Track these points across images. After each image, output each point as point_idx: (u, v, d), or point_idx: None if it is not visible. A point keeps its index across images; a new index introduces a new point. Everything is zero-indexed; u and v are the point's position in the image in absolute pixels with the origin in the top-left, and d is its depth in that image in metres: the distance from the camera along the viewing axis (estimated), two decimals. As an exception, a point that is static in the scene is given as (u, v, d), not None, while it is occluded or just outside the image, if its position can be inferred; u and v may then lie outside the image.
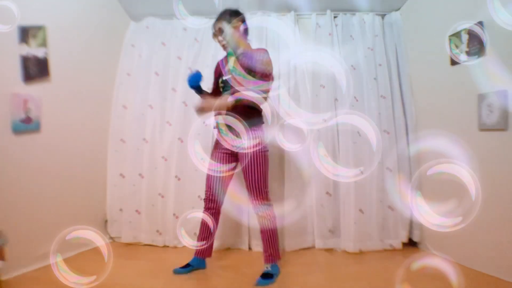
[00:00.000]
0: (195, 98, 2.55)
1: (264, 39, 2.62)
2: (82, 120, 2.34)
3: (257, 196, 1.83)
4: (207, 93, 1.99)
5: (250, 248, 2.44)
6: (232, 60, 1.88)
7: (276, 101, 2.33)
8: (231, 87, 1.82)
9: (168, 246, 2.47)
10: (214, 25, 1.97)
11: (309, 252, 2.36)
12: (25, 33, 1.83)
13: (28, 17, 1.85)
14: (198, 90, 1.95)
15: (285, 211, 2.39)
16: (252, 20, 2.42)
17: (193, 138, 2.29)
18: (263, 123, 1.91)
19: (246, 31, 1.96)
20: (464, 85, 2.00)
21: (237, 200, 2.04)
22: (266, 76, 1.77)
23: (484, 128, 1.86)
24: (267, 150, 1.88)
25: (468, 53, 1.96)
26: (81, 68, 2.31)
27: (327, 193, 2.44)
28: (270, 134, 1.94)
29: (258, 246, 2.40)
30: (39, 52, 1.93)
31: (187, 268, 1.89)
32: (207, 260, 1.99)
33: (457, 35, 2.03)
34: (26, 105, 1.84)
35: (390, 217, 2.41)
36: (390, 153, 2.43)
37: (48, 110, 1.99)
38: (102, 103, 2.60)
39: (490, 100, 1.80)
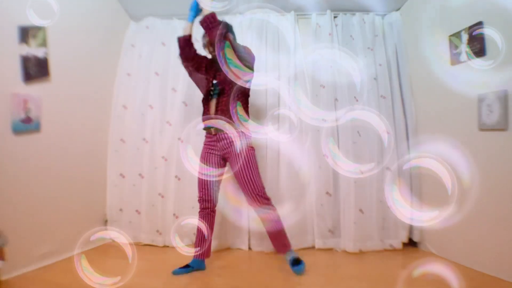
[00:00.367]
0: (196, 98, 2.59)
1: (264, 39, 2.62)
2: (82, 120, 2.34)
3: (256, 198, 1.85)
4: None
5: (250, 248, 2.44)
6: (228, 52, 1.88)
7: (291, 100, 2.33)
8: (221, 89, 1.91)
9: (168, 246, 2.47)
10: (203, 38, 2.05)
11: (309, 252, 2.36)
12: (25, 33, 1.83)
13: (28, 17, 1.85)
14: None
15: (284, 212, 2.39)
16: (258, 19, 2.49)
17: (186, 143, 2.29)
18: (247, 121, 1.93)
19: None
20: (464, 85, 2.00)
21: (235, 202, 2.04)
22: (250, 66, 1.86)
23: (484, 128, 1.86)
24: (254, 149, 1.94)
25: (468, 53, 1.96)
26: (81, 68, 2.31)
27: (327, 193, 2.44)
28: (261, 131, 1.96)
29: (258, 246, 2.40)
30: (39, 52, 1.93)
31: (187, 269, 1.89)
32: (206, 260, 1.99)
33: (457, 35, 2.03)
34: (26, 105, 1.84)
35: (390, 217, 2.40)
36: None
37: (48, 110, 1.99)
38: (102, 103, 2.60)
39: (490, 100, 1.80)
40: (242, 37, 2.60)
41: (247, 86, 1.91)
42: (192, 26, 1.99)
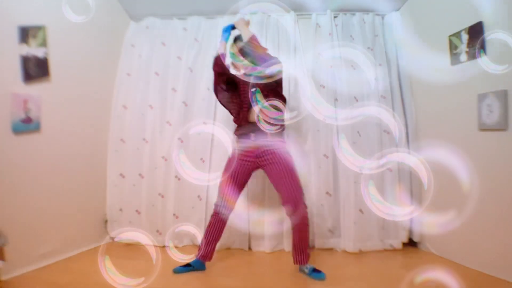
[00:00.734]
0: (196, 98, 2.59)
1: (264, 39, 2.61)
2: (82, 120, 2.34)
3: (299, 204, 1.81)
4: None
5: (250, 248, 2.44)
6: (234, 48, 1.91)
7: (304, 96, 2.34)
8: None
9: (168, 246, 2.46)
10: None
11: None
12: (25, 33, 1.83)
13: (28, 17, 1.85)
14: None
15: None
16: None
17: (178, 148, 2.29)
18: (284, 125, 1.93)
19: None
20: (464, 85, 2.00)
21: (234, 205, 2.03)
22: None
23: (484, 128, 1.86)
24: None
25: (468, 53, 1.96)
26: (81, 68, 2.31)
27: (327, 193, 2.44)
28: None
29: (258, 246, 2.40)
30: (39, 52, 1.93)
31: (187, 268, 1.90)
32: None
33: (457, 35, 2.03)
34: (26, 105, 1.84)
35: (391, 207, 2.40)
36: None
37: (48, 110, 1.99)
38: (102, 103, 2.60)
39: (490, 100, 1.80)
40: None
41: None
42: (226, 45, 1.94)
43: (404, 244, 2.41)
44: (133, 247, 2.46)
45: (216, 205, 1.96)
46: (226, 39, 1.92)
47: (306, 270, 1.86)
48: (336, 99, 2.52)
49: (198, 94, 2.60)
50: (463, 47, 2.00)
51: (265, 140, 1.87)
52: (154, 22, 2.76)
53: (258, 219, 2.35)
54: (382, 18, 2.66)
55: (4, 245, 1.52)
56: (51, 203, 2.03)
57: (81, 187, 2.33)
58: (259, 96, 1.73)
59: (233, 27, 1.95)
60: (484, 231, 1.83)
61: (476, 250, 1.89)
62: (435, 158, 2.04)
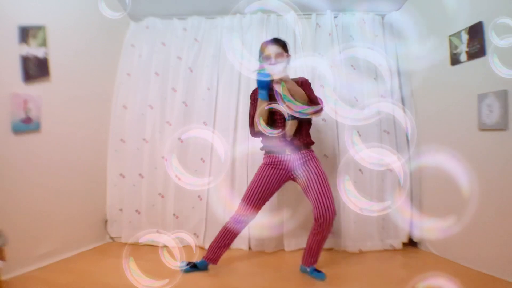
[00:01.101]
0: (196, 98, 2.59)
1: (264, 39, 2.60)
2: (82, 120, 2.34)
3: (332, 215, 1.77)
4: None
5: (250, 248, 2.44)
6: (280, 88, 1.83)
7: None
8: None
9: (168, 246, 2.46)
10: (269, 48, 1.88)
11: (309, 252, 2.36)
12: (25, 33, 1.83)
13: (28, 17, 1.85)
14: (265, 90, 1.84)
15: (285, 213, 2.40)
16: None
17: (170, 153, 2.29)
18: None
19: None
20: (464, 85, 2.00)
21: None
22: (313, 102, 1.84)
23: (484, 128, 1.86)
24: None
25: (468, 53, 1.97)
26: (81, 68, 2.31)
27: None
28: None
29: (258, 246, 2.40)
30: (39, 52, 1.93)
31: (194, 268, 1.91)
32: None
33: (457, 35, 2.03)
34: (26, 105, 1.84)
35: (390, 217, 2.40)
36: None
37: (48, 110, 1.99)
38: (102, 103, 2.60)
39: (490, 100, 1.80)
40: (242, 37, 2.61)
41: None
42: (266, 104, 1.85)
43: (404, 244, 2.41)
44: (133, 247, 2.46)
45: (238, 215, 1.90)
46: (265, 97, 1.83)
47: (308, 269, 1.87)
48: (336, 99, 2.52)
49: (198, 94, 2.60)
50: (463, 47, 2.00)
51: (299, 152, 1.87)
52: (154, 22, 2.76)
53: (258, 223, 2.35)
54: (382, 18, 2.66)
55: (4, 245, 1.52)
56: (51, 203, 2.03)
57: (81, 187, 2.33)
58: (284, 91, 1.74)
59: (267, 84, 1.82)
60: (484, 231, 1.83)
61: (476, 250, 1.89)
62: (435, 161, 2.06)
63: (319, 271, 1.84)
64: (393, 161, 2.08)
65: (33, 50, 1.88)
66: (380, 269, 2.04)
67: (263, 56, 1.89)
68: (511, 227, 1.69)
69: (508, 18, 1.63)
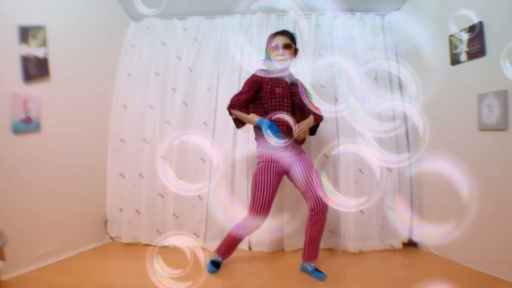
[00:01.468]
0: (196, 98, 2.59)
1: (264, 39, 2.60)
2: (82, 120, 2.34)
3: (325, 205, 1.83)
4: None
5: (250, 248, 2.44)
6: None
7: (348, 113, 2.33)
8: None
9: (168, 246, 2.46)
10: (277, 38, 1.92)
11: (309, 252, 2.36)
12: (25, 33, 1.83)
13: (28, 17, 1.85)
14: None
15: (285, 214, 2.40)
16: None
17: (162, 159, 2.28)
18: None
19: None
20: (464, 85, 2.00)
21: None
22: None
23: (484, 128, 1.86)
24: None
25: (468, 53, 1.97)
26: (81, 68, 2.31)
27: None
28: None
29: (258, 246, 2.40)
30: (39, 52, 1.93)
31: (217, 267, 1.93)
32: (206, 261, 2.00)
33: (457, 35, 2.03)
34: (26, 105, 1.84)
35: (390, 217, 2.40)
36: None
37: (48, 110, 1.99)
38: (102, 103, 2.60)
39: (490, 100, 1.80)
40: (242, 38, 2.61)
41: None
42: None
43: (404, 244, 2.41)
44: (133, 247, 2.46)
45: (252, 214, 1.86)
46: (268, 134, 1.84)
47: (310, 268, 1.86)
48: (336, 99, 2.53)
49: (198, 94, 2.60)
50: (463, 47, 2.00)
51: (294, 148, 1.91)
52: (154, 22, 2.76)
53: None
54: (382, 18, 2.66)
55: (4, 245, 1.52)
56: (51, 203, 2.03)
57: (81, 187, 2.33)
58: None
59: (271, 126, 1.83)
60: (484, 231, 1.83)
61: (476, 250, 1.89)
62: (435, 162, 2.05)
63: (320, 271, 1.84)
64: (390, 160, 2.09)
65: (33, 50, 1.88)
66: (380, 269, 2.04)
67: (271, 46, 1.91)
68: (511, 227, 1.69)
69: (468, 10, 1.70)
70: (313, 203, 1.83)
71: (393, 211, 2.39)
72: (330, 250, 2.41)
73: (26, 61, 1.83)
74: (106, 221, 2.61)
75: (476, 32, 1.87)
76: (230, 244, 1.94)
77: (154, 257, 1.50)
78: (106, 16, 2.58)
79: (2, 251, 1.51)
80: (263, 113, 1.89)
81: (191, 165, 2.52)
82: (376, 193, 2.23)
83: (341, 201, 1.90)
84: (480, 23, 1.86)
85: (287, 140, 1.81)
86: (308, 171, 1.87)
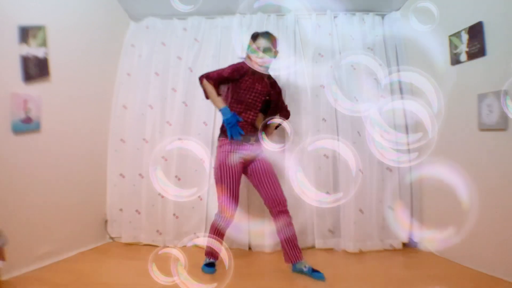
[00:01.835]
0: (196, 98, 2.59)
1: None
2: (82, 120, 2.34)
3: (284, 200, 1.89)
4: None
5: (250, 248, 2.44)
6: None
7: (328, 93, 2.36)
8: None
9: (168, 246, 2.46)
10: (259, 40, 1.97)
11: (309, 252, 2.36)
12: (25, 33, 1.83)
13: (28, 17, 1.85)
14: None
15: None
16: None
17: (154, 164, 2.28)
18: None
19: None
20: (464, 85, 2.00)
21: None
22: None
23: (484, 128, 1.86)
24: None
25: (468, 53, 1.96)
26: (81, 68, 2.31)
27: (327, 193, 2.44)
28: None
29: (258, 246, 2.40)
30: (39, 52, 1.93)
31: (213, 267, 1.94)
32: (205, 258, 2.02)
33: (457, 35, 2.03)
34: (26, 105, 1.84)
35: (390, 218, 2.40)
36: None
37: (48, 110, 1.99)
38: (102, 103, 2.60)
39: (490, 100, 1.80)
40: (242, 38, 2.61)
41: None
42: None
43: (404, 244, 2.41)
44: (133, 247, 2.46)
45: (226, 209, 1.89)
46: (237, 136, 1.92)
47: (305, 269, 1.85)
48: (336, 99, 2.52)
49: (198, 94, 2.58)
50: (463, 47, 2.00)
51: (258, 145, 1.97)
52: (154, 22, 2.76)
53: (258, 229, 2.36)
54: (382, 18, 2.66)
55: (4, 245, 1.52)
56: (51, 203, 2.03)
57: (81, 187, 2.33)
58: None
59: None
60: (484, 231, 1.83)
61: (476, 250, 1.89)
62: (435, 163, 2.05)
63: (318, 271, 1.83)
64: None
65: (33, 50, 1.88)
66: (380, 269, 2.04)
67: (251, 47, 1.97)
68: (511, 227, 1.69)
69: (428, 2, 1.75)
70: (276, 201, 1.88)
71: (393, 211, 2.39)
72: (330, 250, 2.40)
73: (26, 61, 1.83)
74: (106, 221, 2.61)
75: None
76: (213, 244, 1.94)
77: (178, 259, 1.49)
78: (106, 16, 2.58)
79: (2, 251, 1.51)
80: (235, 102, 1.95)
81: (192, 164, 2.52)
82: (352, 190, 2.24)
83: (317, 197, 1.91)
84: (480, 23, 1.86)
85: (244, 138, 1.89)
86: (266, 171, 1.92)
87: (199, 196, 2.48)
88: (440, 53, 2.16)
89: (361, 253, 2.33)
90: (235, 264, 2.10)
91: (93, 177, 2.49)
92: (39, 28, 1.92)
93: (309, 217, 2.45)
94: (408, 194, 2.45)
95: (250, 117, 1.95)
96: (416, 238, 2.40)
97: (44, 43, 1.95)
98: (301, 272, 1.86)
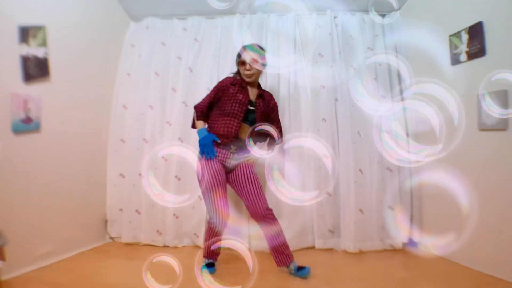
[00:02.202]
0: (196, 98, 2.59)
1: (264, 39, 2.62)
2: (82, 120, 2.34)
3: (265, 206, 1.88)
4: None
5: (250, 248, 2.43)
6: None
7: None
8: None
9: (168, 246, 2.46)
10: (245, 53, 1.94)
11: (309, 252, 2.36)
12: (25, 33, 1.83)
13: (28, 17, 1.85)
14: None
15: (285, 214, 2.40)
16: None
17: (147, 170, 2.28)
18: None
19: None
20: (464, 85, 2.00)
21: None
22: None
23: (484, 128, 1.86)
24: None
25: (468, 53, 1.96)
26: (81, 68, 2.31)
27: (327, 193, 2.44)
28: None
29: (258, 246, 2.40)
30: (39, 52, 1.93)
31: (212, 267, 1.95)
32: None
33: (457, 35, 2.03)
34: (26, 105, 1.84)
35: (389, 219, 2.40)
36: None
37: (48, 110, 1.99)
38: (102, 103, 2.60)
39: (490, 100, 1.80)
40: (242, 38, 2.60)
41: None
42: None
43: (404, 244, 2.41)
44: (133, 247, 2.46)
45: (213, 220, 1.90)
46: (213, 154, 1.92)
47: (292, 271, 1.85)
48: (336, 99, 2.53)
49: (198, 94, 2.59)
50: (463, 47, 2.00)
51: (241, 154, 1.95)
52: (154, 22, 2.76)
53: (258, 232, 2.36)
54: (382, 18, 2.66)
55: (4, 245, 1.52)
56: (51, 203, 2.03)
57: (81, 187, 2.33)
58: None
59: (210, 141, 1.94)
60: (484, 231, 1.83)
61: (476, 250, 1.89)
62: (435, 166, 2.05)
63: (302, 268, 1.82)
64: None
65: (33, 50, 1.88)
66: (380, 269, 2.04)
67: (239, 61, 2.01)
68: (511, 227, 1.69)
69: None
70: (251, 213, 1.90)
71: (393, 211, 2.38)
72: (330, 250, 2.40)
73: (26, 61, 1.84)
74: (106, 221, 2.61)
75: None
76: (209, 247, 1.97)
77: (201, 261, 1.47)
78: (106, 16, 2.58)
79: (2, 251, 1.51)
80: (219, 113, 1.97)
81: (192, 164, 2.52)
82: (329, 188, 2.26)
83: (294, 195, 1.90)
84: (480, 23, 1.86)
85: (225, 147, 1.91)
86: (247, 179, 1.92)
87: (199, 196, 2.48)
88: (440, 53, 2.15)
89: (361, 253, 2.33)
90: (235, 264, 2.11)
91: (93, 177, 2.49)
92: (39, 28, 1.92)
93: (309, 217, 2.45)
94: (408, 194, 2.45)
95: (234, 126, 1.93)
96: (416, 238, 2.40)
97: (44, 43, 1.95)
98: (290, 274, 1.87)
